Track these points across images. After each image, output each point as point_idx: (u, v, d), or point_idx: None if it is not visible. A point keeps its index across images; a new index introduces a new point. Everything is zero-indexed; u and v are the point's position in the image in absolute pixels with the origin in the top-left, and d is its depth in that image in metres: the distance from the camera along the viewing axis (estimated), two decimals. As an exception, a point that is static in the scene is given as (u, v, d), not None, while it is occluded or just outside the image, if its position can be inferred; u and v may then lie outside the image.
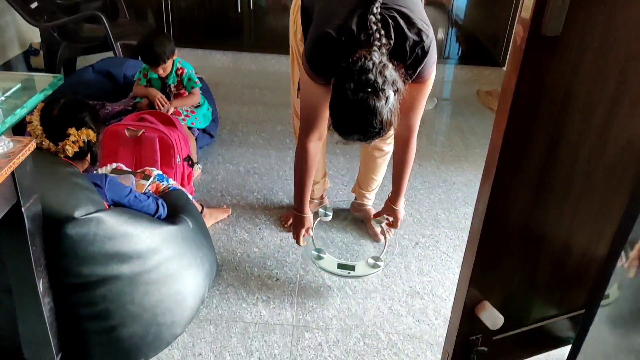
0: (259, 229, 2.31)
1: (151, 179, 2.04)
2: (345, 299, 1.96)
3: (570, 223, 1.45)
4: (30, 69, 3.86)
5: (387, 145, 2.15)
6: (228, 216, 2.37)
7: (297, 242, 1.97)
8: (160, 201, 1.79)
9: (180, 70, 2.71)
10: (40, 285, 1.41)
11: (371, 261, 1.98)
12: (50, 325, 1.48)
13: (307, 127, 1.77)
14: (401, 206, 2.04)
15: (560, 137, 1.25)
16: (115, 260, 1.51)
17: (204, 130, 2.85)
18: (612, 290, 1.20)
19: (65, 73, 3.47)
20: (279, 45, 3.85)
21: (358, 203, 2.38)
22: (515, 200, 1.33)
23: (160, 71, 2.60)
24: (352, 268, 1.96)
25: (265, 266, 2.10)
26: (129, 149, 2.19)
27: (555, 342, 1.72)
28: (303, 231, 1.95)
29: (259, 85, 3.81)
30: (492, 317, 1.44)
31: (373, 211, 2.35)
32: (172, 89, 2.71)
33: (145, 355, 1.62)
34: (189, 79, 2.74)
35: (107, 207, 1.61)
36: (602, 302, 1.23)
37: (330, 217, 2.16)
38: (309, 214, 1.96)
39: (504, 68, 3.16)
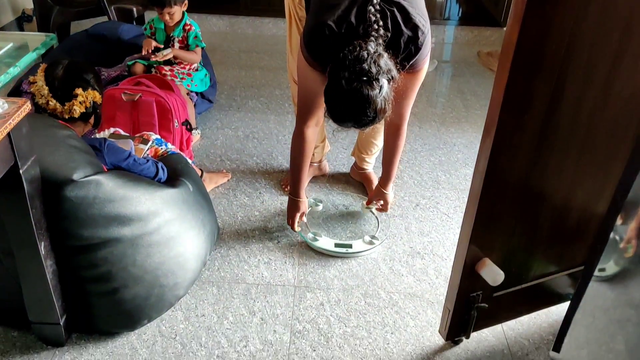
0: (259, 193, 2.31)
1: (149, 143, 2.03)
2: (346, 260, 1.97)
3: (571, 179, 1.45)
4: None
5: None
6: (228, 180, 2.37)
7: (292, 227, 2.01)
8: (159, 164, 1.78)
9: (189, 27, 2.67)
10: (42, 248, 1.41)
11: (367, 238, 2.00)
12: (53, 288, 1.49)
13: (304, 113, 1.80)
14: (390, 190, 2.08)
15: (563, 91, 1.23)
16: (116, 222, 1.51)
17: (202, 96, 2.82)
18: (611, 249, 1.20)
19: (59, 38, 3.41)
20: (276, 9, 3.77)
21: (358, 167, 2.37)
22: (516, 156, 1.32)
23: (167, 17, 2.55)
24: (350, 246, 1.98)
25: (267, 229, 2.10)
26: (126, 113, 2.17)
27: (554, 299, 1.74)
28: (298, 215, 1.99)
29: (256, 50, 3.76)
30: (492, 273, 1.45)
31: (373, 175, 2.34)
32: (176, 44, 2.67)
33: (149, 317, 1.64)
34: (195, 37, 2.70)
35: (106, 170, 1.60)
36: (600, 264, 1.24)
37: (320, 207, 2.19)
38: (304, 199, 2.00)
39: (505, 28, 3.10)
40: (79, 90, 1.66)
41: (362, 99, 1.45)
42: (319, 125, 1.87)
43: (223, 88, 3.17)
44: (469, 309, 1.56)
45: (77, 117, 1.67)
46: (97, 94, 1.71)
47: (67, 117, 1.65)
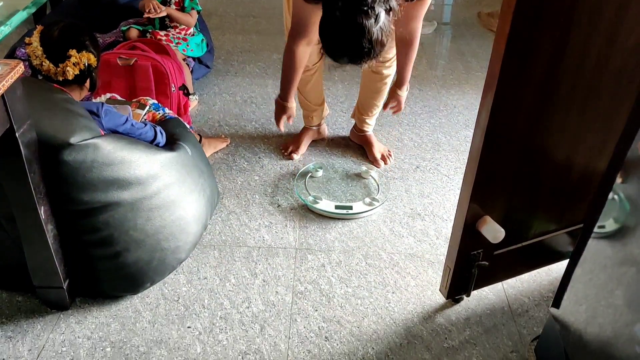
0: (259, 158, 2.30)
1: (147, 107, 2.01)
2: (347, 222, 1.98)
3: (573, 135, 1.43)
4: None
5: (387, 69, 2.10)
6: (227, 146, 2.36)
7: (278, 125, 2.03)
8: (158, 128, 1.77)
9: None
10: (42, 213, 1.41)
11: (367, 200, 2.00)
12: (55, 252, 1.50)
13: (295, 33, 1.81)
14: (405, 91, 2.09)
15: (567, 42, 1.21)
16: (115, 186, 1.50)
17: (199, 61, 2.78)
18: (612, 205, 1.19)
19: (52, 3, 3.34)
20: (272, -30, 3.70)
21: (358, 129, 2.36)
22: (518, 111, 1.31)
23: None
24: (350, 207, 1.98)
25: (267, 193, 2.10)
26: (123, 78, 2.14)
27: (554, 257, 1.75)
28: (284, 117, 2.02)
29: (252, 14, 3.69)
30: (493, 230, 1.45)
31: (374, 137, 2.33)
32: (172, 6, 2.62)
33: (152, 280, 1.65)
34: (192, 0, 2.65)
35: (104, 135, 1.59)
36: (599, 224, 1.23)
37: (321, 173, 2.19)
38: (292, 104, 2.02)
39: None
40: (72, 52, 1.63)
41: (356, 28, 1.40)
42: (309, 46, 1.86)
43: (220, 53, 3.13)
44: (469, 267, 1.56)
45: (71, 79, 1.64)
46: (92, 56, 1.68)
47: (61, 78, 1.62)
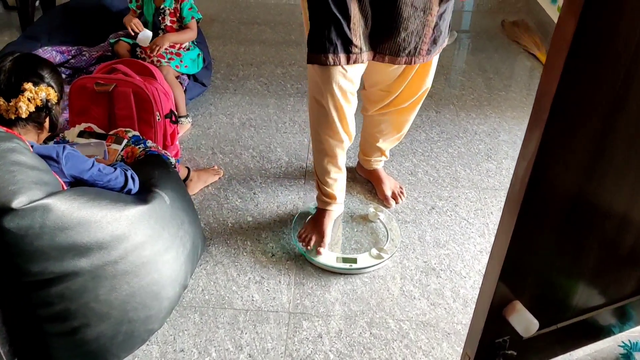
0: (254, 194, 2.05)
1: (124, 142, 1.77)
2: (350, 278, 1.72)
3: (629, 196, 1.16)
4: (6, 6, 3.51)
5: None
6: (219, 178, 2.11)
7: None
8: (130, 172, 1.52)
9: None
10: (-21, 289, 1.18)
11: (374, 252, 1.75)
12: (-1, 331, 1.27)
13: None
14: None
15: (627, 95, 0.94)
16: (71, 253, 1.26)
17: (195, 79, 2.54)
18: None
19: (43, 9, 3.12)
20: (279, -26, 3.44)
21: (367, 161, 2.07)
22: (568, 163, 1.03)
23: None
24: (354, 261, 1.72)
25: (260, 239, 1.85)
26: (101, 106, 1.90)
27: (596, 334, 1.48)
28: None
29: (257, 21, 3.43)
30: (524, 321, 1.18)
31: (384, 173, 2.06)
32: (167, 18, 2.38)
33: (117, 357, 1.42)
34: (191, 8, 2.41)
35: (64, 186, 1.35)
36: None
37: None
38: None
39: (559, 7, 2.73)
40: (27, 85, 1.39)
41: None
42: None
43: (219, 66, 2.88)
44: (493, 356, 1.30)
45: (25, 117, 1.40)
46: (51, 91, 1.44)
47: (13, 117, 1.38)
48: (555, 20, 3.16)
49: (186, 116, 2.36)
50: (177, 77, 2.41)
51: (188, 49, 2.50)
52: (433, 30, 1.47)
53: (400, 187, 2.05)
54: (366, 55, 1.48)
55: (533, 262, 1.17)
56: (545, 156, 0.97)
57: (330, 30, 1.41)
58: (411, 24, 1.43)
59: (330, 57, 1.44)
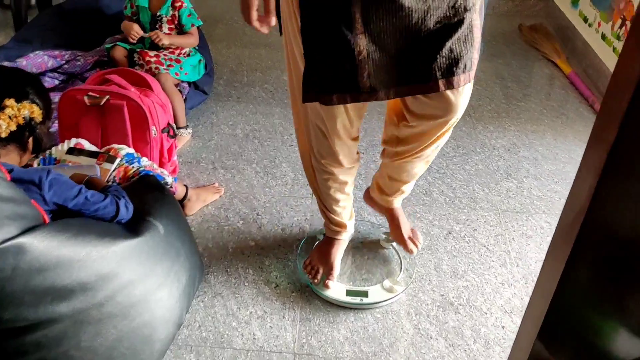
0: (257, 215, 1.90)
1: (117, 161, 1.63)
2: (361, 313, 1.58)
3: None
4: (2, 5, 3.38)
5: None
6: (220, 197, 1.97)
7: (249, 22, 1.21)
8: (122, 201, 1.37)
9: (179, 2, 2.23)
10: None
11: (387, 284, 1.60)
12: (-31, 383, 1.13)
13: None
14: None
15: None
16: (49, 297, 1.12)
17: (195, 86, 2.39)
18: None
19: (39, 8, 2.98)
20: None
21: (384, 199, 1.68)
22: (627, 205, 0.88)
23: None
24: (365, 294, 1.57)
25: (263, 267, 1.71)
26: (92, 120, 1.76)
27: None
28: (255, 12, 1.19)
29: (263, 23, 3.27)
30: (562, 386, 1.05)
31: (401, 212, 1.69)
32: (165, 25, 2.23)
33: (102, 408, 1.28)
34: (190, 15, 2.26)
35: (45, 216, 1.21)
36: None
37: None
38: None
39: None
40: (9, 102, 1.26)
41: None
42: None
43: (222, 72, 2.73)
44: (524, 418, 1.16)
45: (5, 137, 1.26)
46: (35, 109, 1.31)
47: None
48: (577, 26, 3.00)
49: (186, 127, 2.22)
50: (176, 85, 2.27)
51: (188, 55, 2.35)
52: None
53: (412, 230, 1.70)
54: (383, 93, 1.17)
55: (576, 315, 1.02)
56: (600, 202, 0.82)
57: (331, 68, 1.15)
58: (456, 28, 1.11)
59: (335, 97, 1.18)
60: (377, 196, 1.67)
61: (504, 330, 1.54)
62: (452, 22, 1.10)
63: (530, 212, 1.95)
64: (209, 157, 2.16)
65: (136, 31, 2.20)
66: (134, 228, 1.34)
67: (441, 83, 1.14)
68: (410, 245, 1.65)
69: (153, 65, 2.21)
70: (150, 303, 1.31)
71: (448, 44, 1.11)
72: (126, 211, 1.37)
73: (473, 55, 1.15)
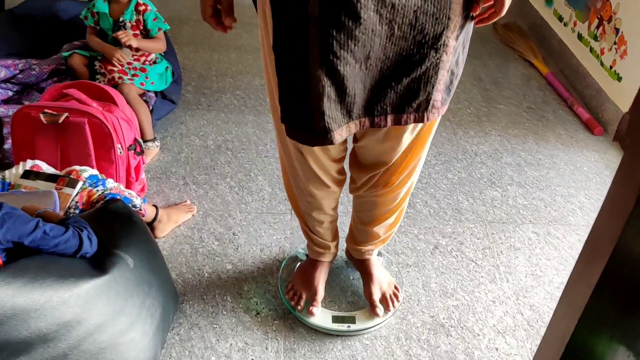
0: (233, 234, 1.79)
1: (79, 185, 1.50)
2: (348, 340, 1.49)
3: None
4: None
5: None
6: (193, 216, 1.85)
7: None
8: (85, 233, 1.24)
9: (143, 7, 2.09)
10: None
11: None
12: None
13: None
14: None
15: None
16: (5, 353, 1.00)
17: (163, 96, 2.25)
18: None
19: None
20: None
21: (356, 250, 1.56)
22: None
23: None
24: (352, 320, 1.49)
25: (242, 292, 1.60)
26: (50, 139, 1.62)
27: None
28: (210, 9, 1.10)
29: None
30: None
31: (376, 266, 1.56)
32: (129, 29, 2.08)
33: None
34: (156, 19, 2.12)
35: (0, 258, 1.08)
36: None
37: None
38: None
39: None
40: None
41: None
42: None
43: (190, 77, 2.60)
44: None
45: None
46: None
47: None
48: (552, 25, 2.96)
49: (153, 140, 2.08)
50: (141, 95, 2.13)
51: (154, 62, 2.21)
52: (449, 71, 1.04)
53: (395, 287, 1.57)
54: (354, 125, 1.07)
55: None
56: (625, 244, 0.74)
57: (298, 104, 1.04)
58: (416, 65, 1.00)
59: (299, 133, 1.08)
60: (350, 246, 1.57)
61: (498, 352, 1.48)
62: (414, 60, 0.98)
63: (517, 223, 1.89)
64: (179, 172, 2.04)
65: (121, 56, 2.04)
66: (100, 264, 1.22)
67: (389, 119, 1.05)
68: (377, 309, 1.49)
69: (116, 75, 2.07)
70: (120, 346, 1.19)
71: (405, 81, 1.00)
72: (90, 244, 1.24)
73: (434, 97, 1.04)
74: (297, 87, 1.01)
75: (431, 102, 1.04)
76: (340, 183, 1.35)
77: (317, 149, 1.19)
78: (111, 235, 1.32)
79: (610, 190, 0.73)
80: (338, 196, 1.42)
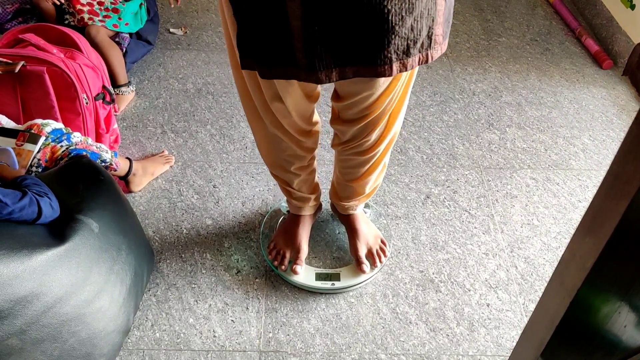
0: (213, 187, 1.70)
1: (41, 140, 1.39)
2: (333, 298, 1.43)
3: None
4: None
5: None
6: (171, 167, 1.75)
7: None
8: (46, 200, 1.15)
9: None
10: None
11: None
12: None
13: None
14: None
15: None
16: (-46, 335, 0.93)
17: (138, 36, 2.10)
18: None
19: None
20: None
21: (340, 205, 1.47)
22: None
23: None
24: (337, 277, 1.41)
25: (222, 249, 1.53)
26: (9, 90, 1.49)
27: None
28: None
29: (213, -48, 2.91)
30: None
31: (362, 220, 1.48)
32: None
33: None
34: None
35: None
36: None
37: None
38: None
39: None
40: None
41: None
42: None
43: (169, 14, 2.42)
44: None
45: None
46: None
47: None
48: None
49: (127, 84, 1.95)
50: (113, 37, 1.97)
51: (126, 0, 2.04)
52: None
53: (383, 242, 1.49)
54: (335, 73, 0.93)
55: (582, 336, 0.87)
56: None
57: (264, 35, 0.90)
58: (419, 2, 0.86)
59: (274, 71, 0.95)
60: (334, 200, 1.47)
61: (489, 308, 1.42)
62: None
63: (515, 168, 1.78)
64: (156, 119, 1.92)
65: None
66: (60, 231, 1.13)
67: (395, 66, 0.91)
68: (364, 265, 1.42)
69: (86, 16, 1.91)
70: (86, 317, 1.13)
71: (408, 21, 0.86)
72: (51, 210, 1.16)
73: (435, 32, 0.91)
74: (269, 20, 0.87)
75: (433, 37, 0.92)
76: (312, 125, 1.22)
77: (295, 88, 1.06)
78: (74, 197, 1.23)
79: (632, 127, 0.60)
80: (315, 145, 1.29)
